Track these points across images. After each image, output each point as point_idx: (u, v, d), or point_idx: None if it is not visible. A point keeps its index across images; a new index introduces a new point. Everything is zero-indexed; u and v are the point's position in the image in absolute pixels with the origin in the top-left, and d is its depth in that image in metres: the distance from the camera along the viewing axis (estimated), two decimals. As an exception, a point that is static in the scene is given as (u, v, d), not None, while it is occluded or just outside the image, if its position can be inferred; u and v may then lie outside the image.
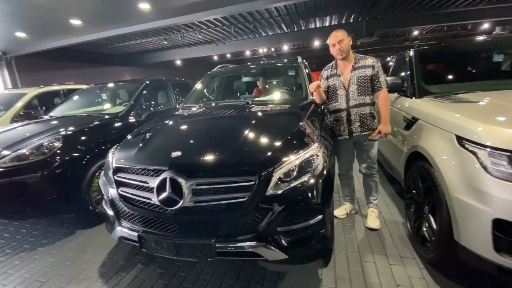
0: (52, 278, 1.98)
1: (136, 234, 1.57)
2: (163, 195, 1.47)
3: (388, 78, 2.79)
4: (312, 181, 1.54)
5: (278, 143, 1.64)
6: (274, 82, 3.35)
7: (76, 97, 4.19)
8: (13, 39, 7.57)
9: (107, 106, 3.94)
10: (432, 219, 1.77)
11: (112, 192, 1.73)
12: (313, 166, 1.59)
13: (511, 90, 2.05)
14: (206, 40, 11.66)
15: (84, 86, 4.77)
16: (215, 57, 15.46)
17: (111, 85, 4.30)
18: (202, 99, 3.03)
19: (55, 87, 5.14)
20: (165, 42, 10.65)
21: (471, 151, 1.43)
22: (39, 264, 2.17)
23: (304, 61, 3.36)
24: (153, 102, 3.97)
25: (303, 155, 1.58)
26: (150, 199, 1.54)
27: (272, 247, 1.45)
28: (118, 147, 1.91)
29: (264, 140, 1.71)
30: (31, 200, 2.39)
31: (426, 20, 9.37)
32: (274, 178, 1.48)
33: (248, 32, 10.69)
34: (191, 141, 1.79)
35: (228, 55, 15.32)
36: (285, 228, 1.48)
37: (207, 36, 10.94)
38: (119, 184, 1.70)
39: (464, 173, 1.44)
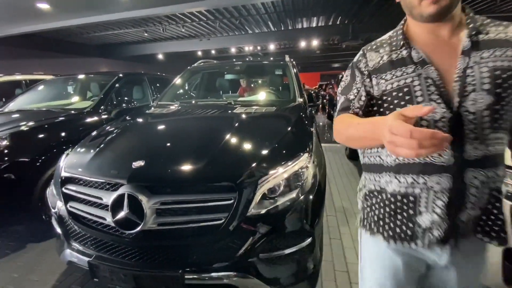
0: (-14, 308, 1.64)
1: (86, 260, 1.28)
2: (120, 215, 1.19)
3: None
4: (301, 197, 1.32)
5: (263, 153, 1.40)
6: (260, 81, 3.11)
7: (38, 89, 3.73)
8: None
9: (73, 100, 3.53)
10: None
11: (60, 206, 1.42)
12: (303, 180, 1.37)
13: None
14: (190, 35, 11.22)
15: (50, 77, 4.29)
16: (200, 53, 14.99)
17: (80, 77, 3.87)
18: (179, 97, 2.73)
19: (17, 77, 4.61)
20: (146, 34, 10.10)
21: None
22: (-27, 289, 1.81)
23: (292, 60, 3.16)
24: (126, 98, 3.60)
25: (291, 167, 1.36)
26: (104, 218, 1.25)
27: (252, 278, 1.22)
28: (70, 152, 1.60)
29: (247, 148, 1.47)
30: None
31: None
32: (258, 195, 1.25)
33: (234, 28, 10.39)
34: (159, 148, 1.51)
35: (213, 51, 14.89)
36: (269, 254, 1.25)
37: (191, 30, 10.51)
38: (67, 197, 1.40)
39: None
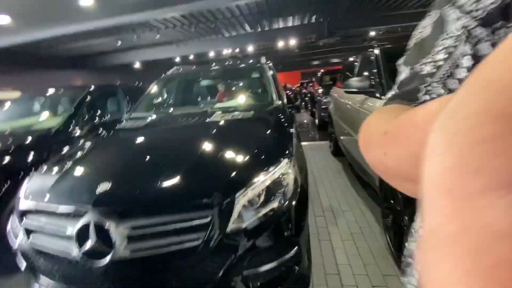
0: None
1: None
2: (87, 245, 1.09)
3: (354, 79, 2.65)
4: (284, 206, 1.27)
5: (240, 163, 1.34)
6: (238, 86, 3.04)
7: (2, 109, 3.50)
8: None
9: (41, 118, 3.33)
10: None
11: (22, 239, 1.29)
12: (284, 187, 1.32)
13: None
14: (166, 41, 10.98)
15: (14, 94, 4.03)
16: (178, 59, 14.74)
17: (48, 92, 3.67)
18: (153, 108, 2.61)
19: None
20: (119, 43, 9.78)
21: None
22: None
23: (269, 62, 3.11)
24: (99, 112, 3.44)
25: (271, 175, 1.30)
26: (70, 251, 1.14)
27: None
28: (31, 179, 1.46)
29: (223, 159, 1.40)
30: None
31: (382, 21, 9.75)
32: (237, 209, 1.18)
33: (211, 32, 10.26)
34: (128, 167, 1.41)
35: (191, 56, 14.68)
36: (254, 270, 1.18)
37: (167, 37, 10.28)
38: (29, 230, 1.27)
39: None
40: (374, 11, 9.27)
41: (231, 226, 1.16)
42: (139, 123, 2.12)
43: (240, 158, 1.35)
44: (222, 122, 1.86)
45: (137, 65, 14.58)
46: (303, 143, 5.76)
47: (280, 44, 12.72)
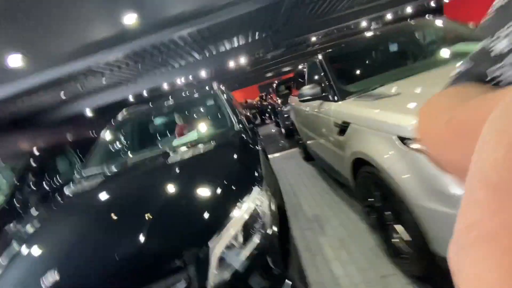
0: None
1: None
2: None
3: (306, 87, 2.72)
4: (266, 239, 1.18)
5: (208, 204, 1.24)
6: (193, 117, 2.95)
7: None
8: None
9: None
10: (401, 228, 1.59)
11: None
12: (261, 218, 1.23)
13: (420, 74, 2.09)
14: (115, 82, 10.61)
15: None
16: (131, 98, 14.27)
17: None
18: (105, 160, 2.39)
19: None
20: (63, 97, 9.22)
21: (418, 150, 1.29)
22: None
23: (222, 86, 3.09)
24: (47, 179, 3.09)
25: (245, 210, 1.21)
26: None
27: None
28: None
29: (189, 206, 1.28)
30: None
31: (319, 26, 10.46)
32: (213, 261, 1.06)
33: (159, 65, 10.14)
34: (78, 249, 1.21)
35: (145, 93, 14.31)
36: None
37: (114, 78, 9.94)
38: None
39: (420, 177, 1.29)
40: (309, 19, 9.93)
41: (212, 281, 1.03)
42: (91, 183, 1.91)
43: (207, 200, 1.25)
44: (182, 162, 1.75)
45: (89, 112, 13.80)
46: (275, 155, 5.77)
47: (231, 64, 12.98)
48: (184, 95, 3.10)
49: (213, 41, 9.10)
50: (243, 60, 13.04)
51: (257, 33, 9.98)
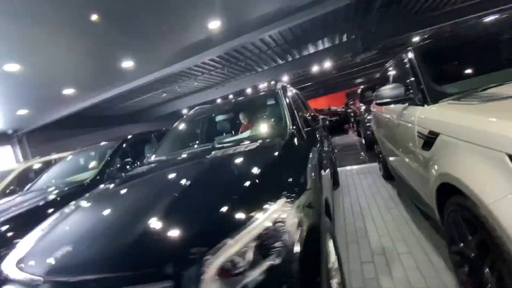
0: None
1: None
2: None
3: (385, 87, 2.22)
4: (282, 266, 0.92)
5: (217, 211, 1.06)
6: (255, 116, 2.85)
7: (55, 168, 3.92)
8: (18, 117, 7.94)
9: (78, 174, 3.59)
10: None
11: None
12: (281, 239, 0.97)
13: None
14: (206, 86, 11.84)
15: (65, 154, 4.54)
16: (219, 100, 15.72)
17: (89, 148, 4.02)
18: (166, 151, 2.54)
19: (43, 159, 4.99)
20: (164, 95, 10.86)
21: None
22: None
23: (288, 86, 2.89)
24: (132, 160, 3.57)
25: (258, 224, 0.98)
26: None
27: None
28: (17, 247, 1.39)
29: (195, 210, 1.13)
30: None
31: (421, 24, 8.90)
32: (209, 276, 0.87)
33: (244, 70, 10.71)
34: (98, 229, 1.22)
35: (231, 96, 15.49)
36: None
37: (205, 82, 11.09)
38: None
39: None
40: (413, 15, 8.56)
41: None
42: (142, 168, 2.03)
43: (216, 209, 1.07)
44: (216, 159, 1.64)
45: (184, 111, 15.97)
46: (351, 167, 5.12)
47: (315, 68, 12.56)
48: (248, 95, 3.05)
49: (296, 44, 8.97)
50: (328, 64, 12.43)
51: (345, 35, 9.28)
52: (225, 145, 2.04)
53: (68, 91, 6.62)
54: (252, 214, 1.01)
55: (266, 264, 0.92)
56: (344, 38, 9.66)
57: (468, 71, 2.00)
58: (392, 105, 2.44)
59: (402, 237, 2.28)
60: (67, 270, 0.99)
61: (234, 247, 0.92)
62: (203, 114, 3.13)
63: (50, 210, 2.35)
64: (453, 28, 2.61)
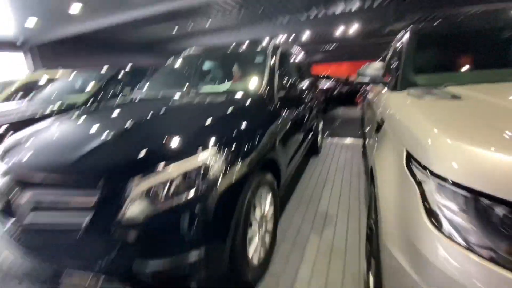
0: None
1: None
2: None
3: (369, 66, 2.20)
4: (198, 201, 1.13)
5: (156, 145, 1.24)
6: (242, 71, 2.86)
7: (56, 85, 4.10)
8: (28, 27, 7.89)
9: (74, 94, 3.77)
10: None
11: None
12: (204, 180, 1.16)
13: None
14: (219, 27, 11.25)
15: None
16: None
17: (91, 71, 4.14)
18: (149, 87, 2.66)
19: (49, 71, 5.16)
20: (176, 30, 10.46)
21: (417, 181, 0.88)
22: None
23: (286, 48, 2.85)
24: (122, 90, 3.70)
25: (183, 163, 1.16)
26: None
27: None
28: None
29: (141, 139, 1.32)
30: None
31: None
32: (133, 195, 1.08)
33: (263, 17, 10.04)
34: (64, 140, 1.46)
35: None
36: (143, 264, 1.08)
37: (218, 23, 10.51)
38: None
39: (403, 215, 0.91)
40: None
41: (123, 215, 1.07)
42: (122, 100, 2.22)
43: (155, 143, 1.25)
44: (178, 107, 1.80)
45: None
46: (336, 139, 5.22)
47: (340, 30, 11.74)
48: (242, 48, 3.00)
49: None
50: (354, 28, 11.56)
51: (378, 0, 8.43)
52: (200, 93, 2.16)
53: (75, 7, 6.45)
54: (185, 154, 1.19)
55: (186, 196, 1.12)
56: (375, 5, 8.81)
57: (450, 64, 1.96)
58: (372, 85, 2.44)
59: (347, 208, 2.52)
60: (26, 164, 1.24)
61: (162, 175, 1.11)
62: (193, 58, 3.12)
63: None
64: (456, 16, 2.44)
